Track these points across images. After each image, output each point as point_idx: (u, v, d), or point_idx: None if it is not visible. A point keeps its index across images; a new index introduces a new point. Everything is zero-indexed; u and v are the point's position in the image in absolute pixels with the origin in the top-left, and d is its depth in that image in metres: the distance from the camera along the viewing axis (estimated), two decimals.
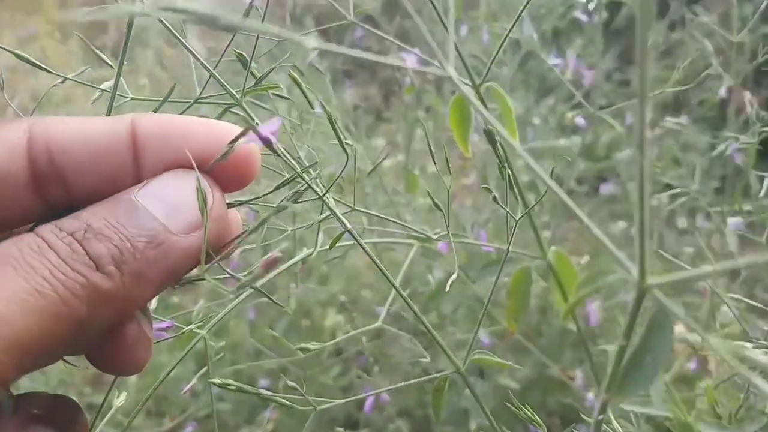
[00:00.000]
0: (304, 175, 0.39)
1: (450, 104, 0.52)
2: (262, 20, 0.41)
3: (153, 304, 0.40)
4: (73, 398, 0.35)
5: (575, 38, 1.27)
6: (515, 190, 0.41)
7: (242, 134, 0.33)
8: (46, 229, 0.30)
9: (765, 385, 0.18)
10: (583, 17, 1.17)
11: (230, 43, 0.39)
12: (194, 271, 0.33)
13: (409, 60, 0.94)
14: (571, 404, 0.97)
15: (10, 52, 0.40)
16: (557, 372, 0.96)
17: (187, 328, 0.45)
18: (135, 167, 0.33)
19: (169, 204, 0.31)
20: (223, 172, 0.34)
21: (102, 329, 0.31)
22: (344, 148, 0.40)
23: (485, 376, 1.01)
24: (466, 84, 0.51)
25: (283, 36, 0.21)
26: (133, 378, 1.07)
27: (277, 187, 0.38)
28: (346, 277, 1.14)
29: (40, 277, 0.28)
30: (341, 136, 0.40)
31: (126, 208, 0.31)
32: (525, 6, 0.48)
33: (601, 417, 0.28)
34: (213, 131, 0.33)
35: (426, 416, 1.09)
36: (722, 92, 0.80)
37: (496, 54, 0.49)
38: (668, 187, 1.16)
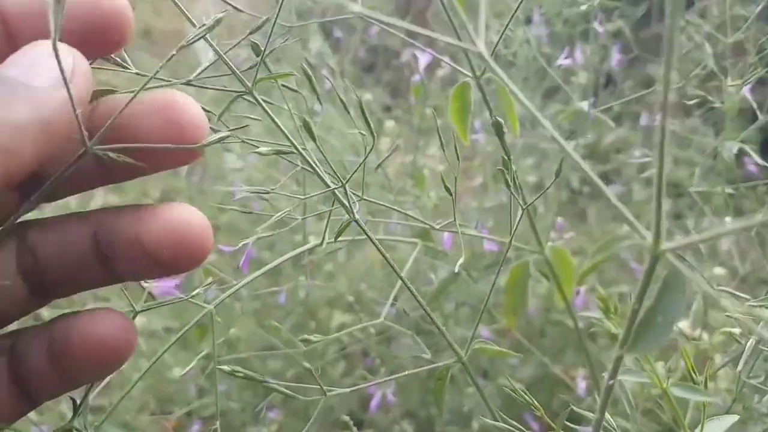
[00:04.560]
0: (318, 168, 0.39)
1: (451, 94, 0.53)
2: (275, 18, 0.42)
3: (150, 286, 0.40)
4: None
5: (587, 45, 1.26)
6: (516, 184, 0.42)
7: None
8: None
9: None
10: (600, 29, 1.16)
11: (231, 45, 0.39)
12: None
13: (423, 58, 0.95)
14: (576, 405, 0.97)
15: None
16: (560, 372, 0.96)
17: (190, 295, 0.43)
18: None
19: (27, 66, 0.29)
20: (91, 37, 0.32)
21: None
22: (372, 133, 0.40)
23: (489, 377, 1.02)
24: (467, 76, 0.52)
25: None
26: (136, 377, 1.08)
27: None
28: (351, 277, 1.15)
29: None
30: (369, 121, 0.40)
31: None
32: (518, 7, 0.48)
33: (611, 381, 0.29)
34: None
35: (430, 417, 1.09)
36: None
37: (495, 49, 0.50)
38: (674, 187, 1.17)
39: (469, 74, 0.52)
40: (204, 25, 0.34)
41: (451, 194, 0.43)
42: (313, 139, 0.38)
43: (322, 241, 0.40)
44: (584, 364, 0.99)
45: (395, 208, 0.51)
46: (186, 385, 1.11)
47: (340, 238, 0.42)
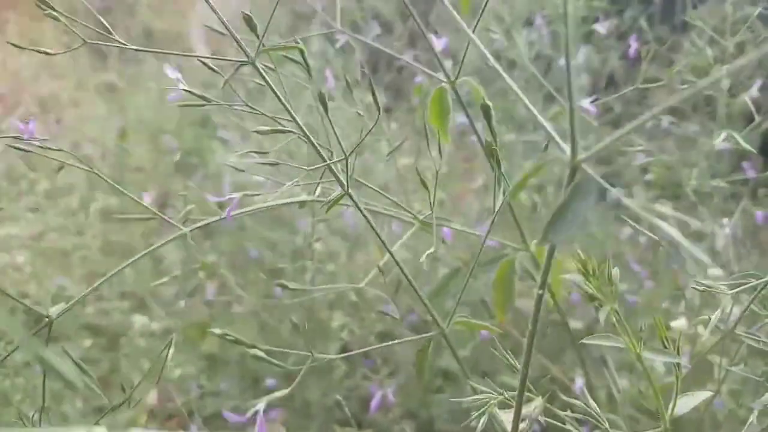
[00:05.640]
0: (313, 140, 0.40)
1: (430, 99, 0.54)
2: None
3: None
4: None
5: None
6: (498, 167, 0.43)
7: None
8: None
9: (666, 228, 0.23)
10: (602, 29, 1.17)
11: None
12: None
13: (438, 43, 0.95)
14: (576, 405, 0.97)
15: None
16: (558, 372, 0.97)
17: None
18: None
19: None
20: None
21: None
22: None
23: (489, 376, 1.02)
24: (442, 81, 0.53)
25: None
26: (135, 376, 1.08)
27: None
28: (353, 277, 1.15)
29: None
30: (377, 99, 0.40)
31: None
32: (485, 6, 0.49)
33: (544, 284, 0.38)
34: None
35: (430, 418, 1.09)
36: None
37: (466, 52, 0.51)
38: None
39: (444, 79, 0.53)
40: None
41: (426, 187, 0.45)
42: (326, 110, 0.39)
43: (314, 198, 0.42)
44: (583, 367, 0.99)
45: (385, 194, 0.52)
46: (187, 385, 1.12)
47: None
